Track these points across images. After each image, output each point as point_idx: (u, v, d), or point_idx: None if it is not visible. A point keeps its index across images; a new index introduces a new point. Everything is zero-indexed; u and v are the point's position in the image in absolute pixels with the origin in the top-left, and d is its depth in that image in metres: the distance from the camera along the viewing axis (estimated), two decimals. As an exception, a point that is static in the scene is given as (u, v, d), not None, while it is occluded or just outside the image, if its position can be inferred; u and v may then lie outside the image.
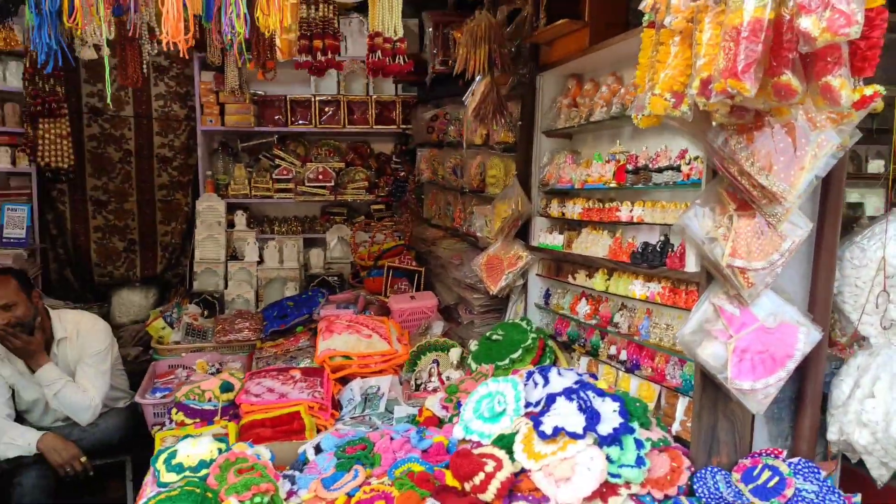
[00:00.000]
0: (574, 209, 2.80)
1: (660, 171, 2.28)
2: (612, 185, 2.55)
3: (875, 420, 1.90)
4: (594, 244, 2.64)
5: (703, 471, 1.99)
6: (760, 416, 2.09)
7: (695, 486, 1.94)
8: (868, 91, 1.50)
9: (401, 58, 2.17)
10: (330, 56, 2.33)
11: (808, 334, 1.91)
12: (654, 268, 2.27)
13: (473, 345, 3.03)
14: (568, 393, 2.05)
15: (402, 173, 5.55)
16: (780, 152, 1.80)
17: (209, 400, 2.63)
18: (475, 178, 3.81)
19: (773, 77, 1.53)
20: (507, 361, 2.77)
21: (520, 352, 2.78)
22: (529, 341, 2.82)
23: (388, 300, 3.99)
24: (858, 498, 1.95)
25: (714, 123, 1.77)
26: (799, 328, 1.91)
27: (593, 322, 2.71)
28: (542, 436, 1.95)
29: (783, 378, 1.88)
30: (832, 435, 2.02)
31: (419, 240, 4.71)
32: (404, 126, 5.82)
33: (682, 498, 1.89)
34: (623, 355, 2.50)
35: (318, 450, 2.16)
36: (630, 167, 2.44)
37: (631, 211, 2.46)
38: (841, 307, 2.14)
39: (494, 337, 2.93)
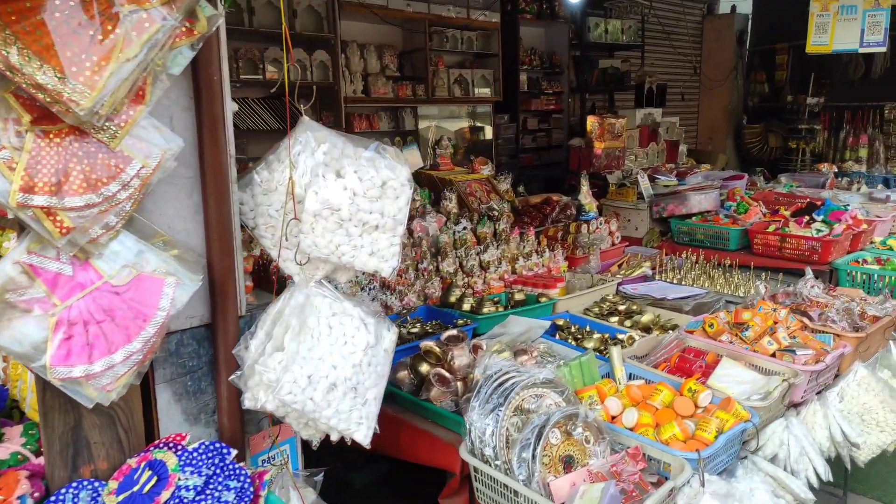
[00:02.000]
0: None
1: None
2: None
3: (275, 380, 1.55)
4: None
5: (65, 489, 1.45)
6: (170, 393, 1.63)
7: (36, 520, 1.39)
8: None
9: None
10: None
11: (179, 286, 1.45)
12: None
13: None
14: None
15: None
16: (69, 35, 1.24)
17: None
18: None
19: None
20: None
21: None
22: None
23: None
24: (269, 475, 1.61)
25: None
26: (165, 280, 1.43)
27: None
28: None
29: (138, 350, 1.39)
30: (247, 402, 1.64)
31: None
32: None
33: (1, 546, 1.33)
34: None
35: None
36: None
37: None
38: (262, 243, 1.75)
39: None
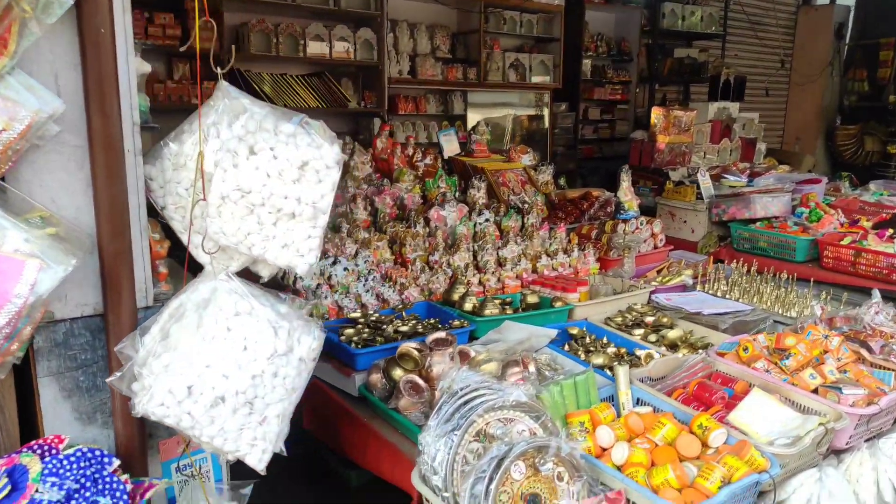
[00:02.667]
0: None
1: None
2: None
3: (149, 387, 1.33)
4: None
5: None
6: (57, 388, 1.45)
7: None
8: None
9: None
10: None
11: (43, 269, 1.25)
12: None
13: None
14: None
15: None
16: None
17: None
18: None
19: None
20: None
21: None
22: None
23: None
24: (154, 490, 1.40)
25: None
26: (25, 262, 1.24)
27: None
28: None
29: (-15, 341, 1.21)
30: (139, 406, 1.43)
31: None
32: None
33: None
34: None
35: None
36: None
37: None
38: (172, 226, 1.54)
39: None
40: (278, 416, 1.37)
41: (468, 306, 2.85)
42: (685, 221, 5.14)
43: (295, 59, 5.31)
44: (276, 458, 1.77)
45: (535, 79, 6.95)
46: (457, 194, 4.05)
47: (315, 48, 5.30)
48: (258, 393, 1.34)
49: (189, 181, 1.44)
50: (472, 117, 6.61)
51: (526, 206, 3.93)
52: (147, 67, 1.48)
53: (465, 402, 1.85)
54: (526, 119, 7.47)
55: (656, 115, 6.36)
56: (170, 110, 4.92)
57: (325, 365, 2.58)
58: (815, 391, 2.29)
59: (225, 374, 1.31)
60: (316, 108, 5.39)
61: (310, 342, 1.45)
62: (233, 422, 1.31)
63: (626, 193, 3.74)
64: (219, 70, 1.44)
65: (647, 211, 5.53)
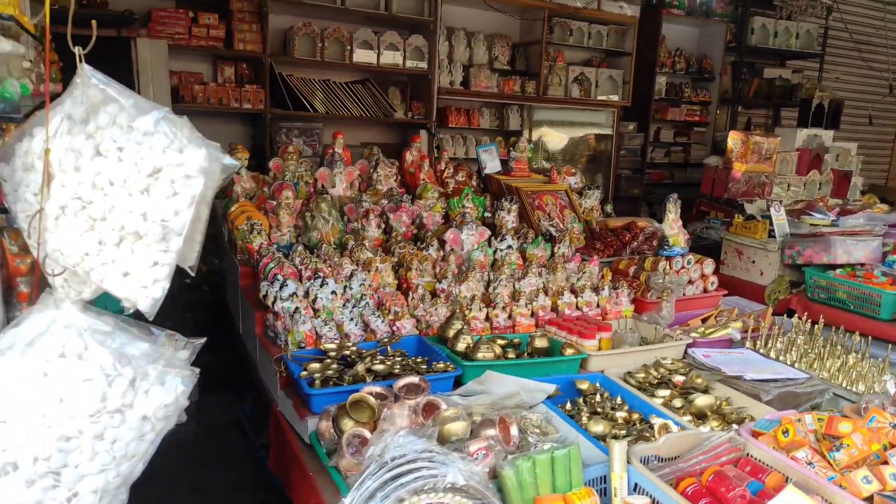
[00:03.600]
0: None
1: None
2: None
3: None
4: None
5: None
6: None
7: None
8: None
9: None
10: None
11: None
12: None
13: None
14: None
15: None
16: None
17: None
18: None
19: None
20: None
21: None
22: None
23: None
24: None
25: None
26: None
27: None
28: None
29: None
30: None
31: None
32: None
33: None
34: None
35: None
36: None
37: None
38: (26, 239, 1.28)
39: None
40: (96, 491, 1.08)
41: (461, 346, 2.49)
42: (753, 262, 4.55)
43: (340, 64, 5.13)
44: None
45: (601, 95, 6.48)
46: (485, 216, 3.70)
47: (362, 56, 5.09)
48: (69, 461, 1.05)
49: (37, 185, 1.18)
50: (531, 134, 6.23)
51: (559, 234, 3.52)
52: (6, 46, 1.23)
53: (395, 478, 1.50)
54: (592, 138, 7.00)
55: (733, 139, 5.78)
56: (211, 114, 4.85)
57: (288, 401, 2.29)
58: (870, 500, 1.78)
59: (27, 435, 1.03)
60: (360, 118, 5.19)
61: (162, 397, 1.15)
62: (26, 497, 1.03)
63: (672, 226, 3.27)
64: (77, 49, 1.18)
65: (716, 248, 4.96)
